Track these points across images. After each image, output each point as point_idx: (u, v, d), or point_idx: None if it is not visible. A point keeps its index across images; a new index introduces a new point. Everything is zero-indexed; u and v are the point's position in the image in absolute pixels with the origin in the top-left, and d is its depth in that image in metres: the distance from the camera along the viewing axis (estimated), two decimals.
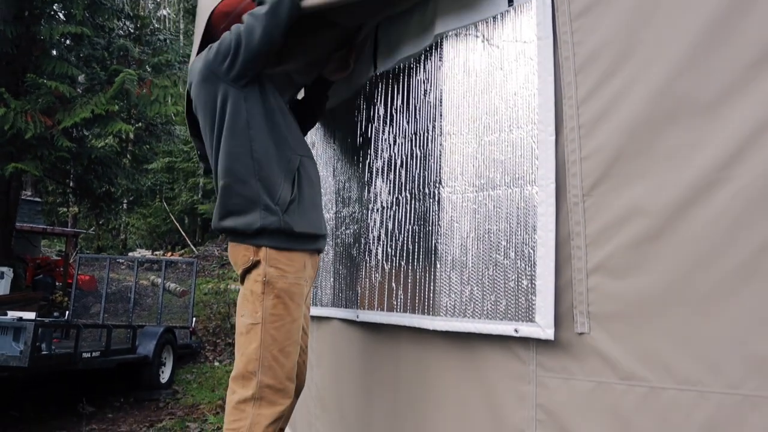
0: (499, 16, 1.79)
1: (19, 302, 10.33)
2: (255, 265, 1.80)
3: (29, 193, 17.36)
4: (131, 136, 13.26)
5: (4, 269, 11.07)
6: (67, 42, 10.92)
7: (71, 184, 12.90)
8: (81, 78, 10.74)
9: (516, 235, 1.65)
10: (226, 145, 1.83)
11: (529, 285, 1.59)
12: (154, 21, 12.82)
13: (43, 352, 4.58)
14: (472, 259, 1.76)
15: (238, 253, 1.84)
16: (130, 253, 18.84)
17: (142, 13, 15.97)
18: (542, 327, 1.54)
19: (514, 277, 1.63)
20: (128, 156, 13.91)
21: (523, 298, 1.60)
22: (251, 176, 1.80)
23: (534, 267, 1.58)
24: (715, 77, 1.35)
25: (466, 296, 1.76)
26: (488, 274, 1.71)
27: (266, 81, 1.92)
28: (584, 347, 1.50)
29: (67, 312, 8.44)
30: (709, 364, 1.30)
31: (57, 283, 12.69)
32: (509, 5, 1.75)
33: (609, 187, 1.50)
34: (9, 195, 11.35)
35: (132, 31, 12.86)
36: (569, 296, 1.54)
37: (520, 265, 1.62)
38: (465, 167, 1.84)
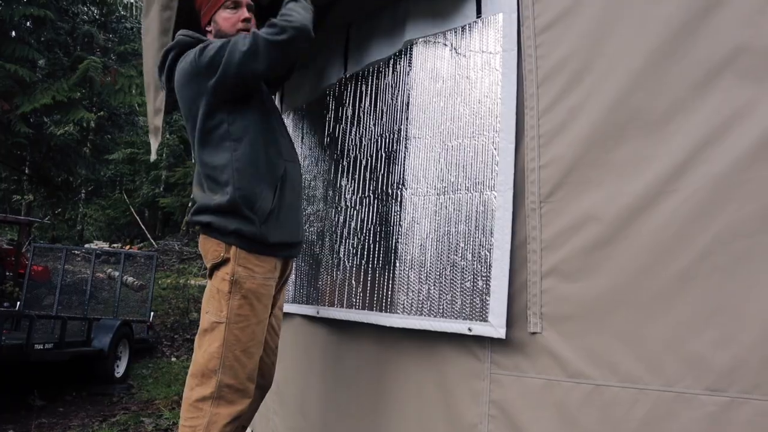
0: (467, 27, 1.85)
1: None
2: (224, 262, 1.76)
3: None
4: (93, 125, 12.95)
5: None
6: (29, 24, 10.62)
7: (27, 170, 12.53)
8: (42, 63, 10.45)
9: (474, 237, 1.71)
10: (206, 153, 1.79)
11: (484, 286, 1.66)
12: (120, 8, 12.52)
13: None
14: (430, 259, 1.82)
15: (209, 247, 1.80)
16: (87, 245, 18.38)
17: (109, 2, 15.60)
18: (495, 326, 1.60)
19: (470, 278, 1.70)
20: (89, 145, 13.58)
21: (478, 298, 1.67)
22: (231, 185, 1.74)
23: (490, 269, 1.65)
24: (665, 94, 1.44)
25: (423, 295, 1.82)
26: (446, 274, 1.77)
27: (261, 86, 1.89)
28: (536, 346, 1.58)
29: (18, 303, 8.18)
30: (649, 362, 1.39)
31: (8, 273, 12.28)
32: (477, 17, 1.82)
33: (565, 195, 1.57)
34: None
35: (97, 17, 12.57)
36: (524, 297, 1.61)
37: (477, 266, 1.69)
38: (428, 170, 1.89)
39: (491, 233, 1.66)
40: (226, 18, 1.88)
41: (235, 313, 1.74)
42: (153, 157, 2.50)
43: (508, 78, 1.69)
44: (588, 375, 1.48)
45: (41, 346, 5.11)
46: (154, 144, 2.30)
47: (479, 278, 1.67)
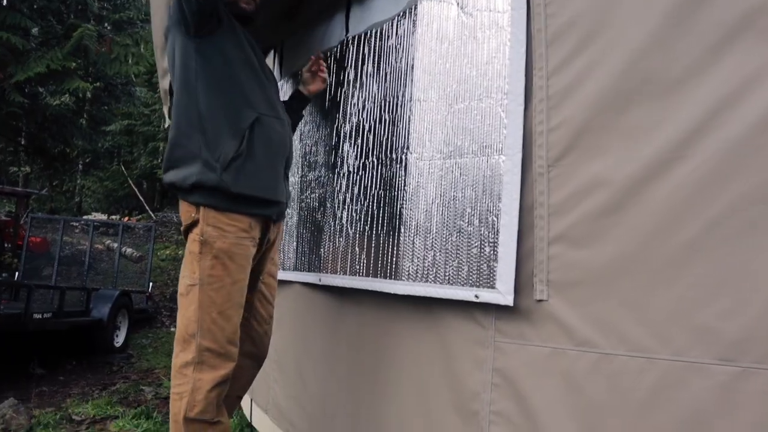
0: None
1: None
2: (194, 223, 1.72)
3: None
4: (89, 95, 12.80)
5: None
6: None
7: (23, 142, 12.41)
8: (35, 31, 10.26)
9: (481, 202, 1.67)
10: (176, 97, 1.77)
11: (492, 252, 1.62)
12: None
13: None
14: (436, 225, 1.78)
15: (182, 210, 1.77)
16: (86, 217, 18.34)
17: None
18: (502, 293, 1.57)
19: (477, 244, 1.66)
20: (85, 116, 13.43)
21: (485, 264, 1.63)
22: (195, 130, 1.72)
23: (497, 234, 1.61)
24: (680, 56, 1.38)
25: (428, 262, 1.78)
26: (452, 240, 1.73)
27: (230, 30, 1.82)
28: (542, 314, 1.54)
29: (17, 273, 8.18)
30: (658, 332, 1.36)
31: (6, 245, 12.26)
32: None
33: (573, 159, 1.52)
34: None
35: None
36: (530, 264, 1.57)
37: (484, 232, 1.65)
38: (433, 134, 1.84)
39: (499, 198, 1.62)
40: None
41: (207, 274, 1.69)
42: (167, 123, 2.47)
43: (517, 37, 1.63)
44: (595, 343, 1.45)
45: (40, 316, 5.11)
46: (165, 108, 2.27)
47: (486, 244, 1.63)
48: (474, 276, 1.65)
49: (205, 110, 1.72)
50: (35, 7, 10.48)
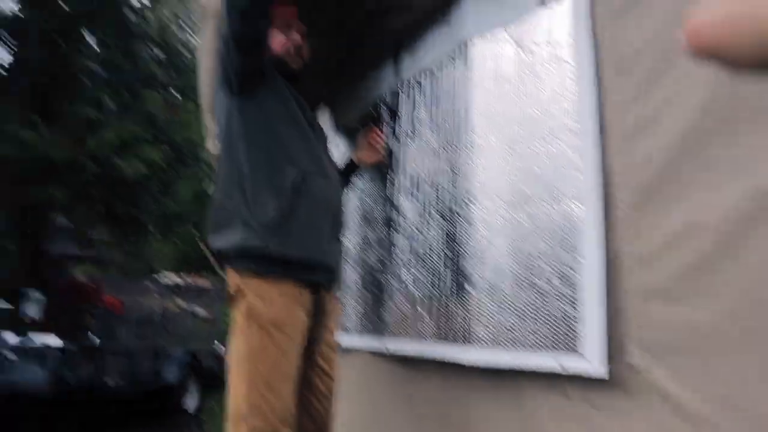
0: (529, 17, 1.64)
1: (48, 326, 10.38)
2: (239, 292, 1.63)
3: (61, 218, 17.64)
4: (158, 161, 13.40)
5: (34, 293, 11.15)
6: (97, 68, 11.11)
7: (100, 208, 13.04)
8: (109, 103, 10.90)
9: (557, 255, 1.48)
10: (219, 158, 1.73)
11: (573, 312, 1.42)
12: (178, 44, 12.98)
13: (66, 379, 4.52)
14: (507, 282, 1.60)
15: (228, 277, 1.69)
16: (158, 277, 18.95)
17: (169, 39, 16.24)
18: (589, 360, 1.37)
19: (555, 303, 1.47)
20: (156, 181, 14.04)
21: (567, 326, 1.43)
22: (236, 191, 1.64)
23: (578, 291, 1.41)
24: None
25: (502, 324, 1.60)
26: (526, 299, 1.54)
27: (275, 88, 1.76)
28: (639, 383, 1.32)
29: (93, 336, 8.41)
30: None
31: (86, 307, 12.76)
32: (540, 4, 1.61)
33: (661, 201, 1.33)
34: (39, 219, 11.51)
35: (159, 56, 13.05)
36: (620, 325, 1.36)
37: (562, 289, 1.45)
38: (497, 183, 1.68)
39: (576, 250, 1.43)
40: (278, 40, 1.82)
41: (253, 347, 1.58)
42: None
43: (583, 69, 1.47)
44: (705, 418, 1.22)
45: (111, 381, 5.16)
46: None
47: (566, 303, 1.44)
48: (554, 340, 1.45)
49: (246, 170, 1.65)
50: (110, 81, 11.16)
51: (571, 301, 1.43)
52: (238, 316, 1.62)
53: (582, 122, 1.46)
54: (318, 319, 1.76)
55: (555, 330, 1.46)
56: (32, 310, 11.04)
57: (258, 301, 1.60)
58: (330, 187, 1.77)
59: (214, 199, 1.70)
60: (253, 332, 1.58)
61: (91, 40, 10.96)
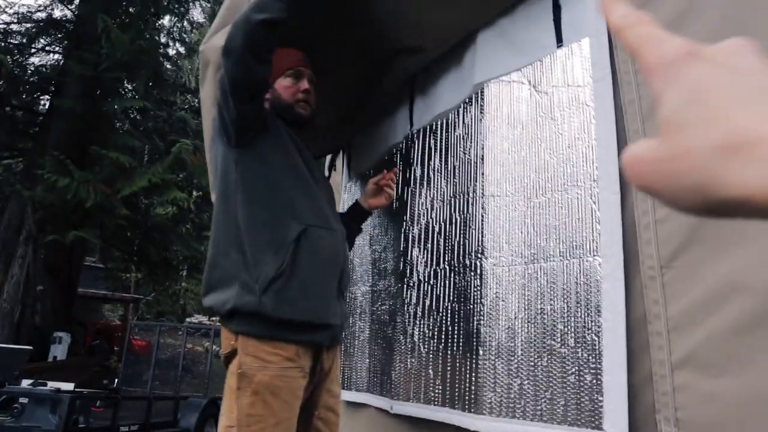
0: (547, 59, 1.55)
1: (74, 368, 10.41)
2: (233, 353, 1.51)
3: (94, 259, 17.96)
4: (190, 204, 13.61)
5: (63, 334, 11.25)
6: (132, 116, 11.45)
7: (134, 250, 13.24)
8: (141, 148, 11.17)
9: (576, 317, 1.34)
10: (215, 211, 1.64)
11: (594, 381, 1.27)
12: None
13: (80, 426, 4.44)
14: (521, 345, 1.45)
15: (222, 337, 1.57)
16: (188, 319, 19.01)
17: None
18: None
19: (574, 370, 1.31)
20: (188, 225, 14.22)
21: (587, 397, 1.28)
22: (233, 248, 1.55)
23: (600, 358, 1.26)
24: None
25: (514, 391, 1.44)
26: (541, 364, 1.39)
27: (276, 137, 1.68)
28: None
29: (116, 380, 8.38)
30: None
31: (115, 348, 12.81)
32: (558, 46, 1.52)
33: (695, 257, 1.19)
34: (71, 261, 11.71)
35: (193, 103, 13.41)
36: (648, 397, 1.20)
37: (582, 354, 1.30)
38: (511, 234, 1.56)
39: (598, 311, 1.29)
40: (286, 87, 1.77)
41: (245, 414, 1.44)
42: None
43: (604, 113, 1.36)
44: None
45: (127, 428, 5.06)
46: None
47: (586, 371, 1.29)
48: (573, 412, 1.30)
49: (244, 225, 1.56)
50: (142, 128, 11.47)
51: (591, 368, 1.28)
52: (230, 379, 1.50)
53: (603, 169, 1.34)
54: (317, 380, 1.62)
55: (573, 401, 1.30)
56: (59, 351, 11.14)
57: (253, 362, 1.48)
58: (334, 240, 1.66)
59: (210, 255, 1.60)
60: (245, 398, 1.45)
61: (127, 87, 11.33)
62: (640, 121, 1.30)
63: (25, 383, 4.80)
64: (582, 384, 1.29)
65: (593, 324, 1.29)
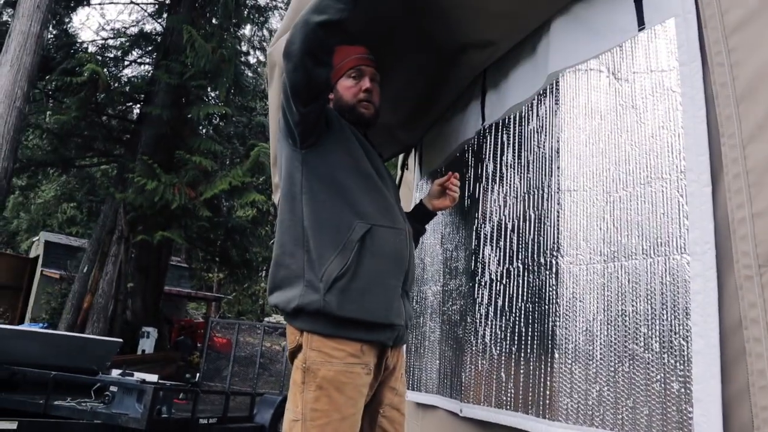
0: (627, 44, 1.45)
1: (160, 362, 10.95)
2: (298, 348, 1.50)
3: (179, 259, 18.86)
4: (269, 207, 14.03)
5: (150, 329, 11.89)
6: (214, 122, 11.94)
7: (216, 251, 13.79)
8: (222, 152, 11.62)
9: (661, 319, 1.23)
10: (280, 212, 1.63)
11: (683, 390, 1.16)
12: None
13: (162, 416, 4.63)
14: (600, 349, 1.36)
15: (288, 333, 1.58)
16: (267, 319, 19.57)
17: None
18: None
19: (659, 378, 1.21)
20: (267, 226, 14.67)
21: (674, 407, 1.17)
22: (298, 247, 1.54)
23: (689, 365, 1.16)
24: None
25: (593, 398, 1.35)
26: (623, 370, 1.29)
27: (341, 137, 1.66)
28: None
29: (197, 374, 8.73)
30: None
31: (198, 345, 13.38)
32: (639, 28, 1.41)
33: None
34: (159, 260, 12.35)
35: None
36: (744, 411, 1.09)
37: (668, 361, 1.20)
38: (589, 231, 1.47)
39: (686, 314, 1.18)
40: (347, 87, 1.74)
41: (310, 408, 1.43)
42: None
43: (692, 99, 1.25)
44: None
45: (206, 421, 5.22)
46: None
47: (673, 378, 1.18)
48: (659, 423, 1.19)
49: (309, 225, 1.55)
50: (224, 133, 11.94)
51: (680, 376, 1.17)
52: (295, 374, 1.50)
53: (691, 160, 1.23)
54: (382, 378, 1.60)
55: (659, 411, 1.20)
56: (147, 345, 11.77)
57: (318, 357, 1.47)
58: (400, 239, 1.62)
59: (275, 255, 1.61)
60: (310, 392, 1.45)
61: (210, 95, 11.81)
62: (734, 105, 1.19)
63: (115, 373, 5.07)
64: (668, 393, 1.19)
65: (681, 328, 1.19)
